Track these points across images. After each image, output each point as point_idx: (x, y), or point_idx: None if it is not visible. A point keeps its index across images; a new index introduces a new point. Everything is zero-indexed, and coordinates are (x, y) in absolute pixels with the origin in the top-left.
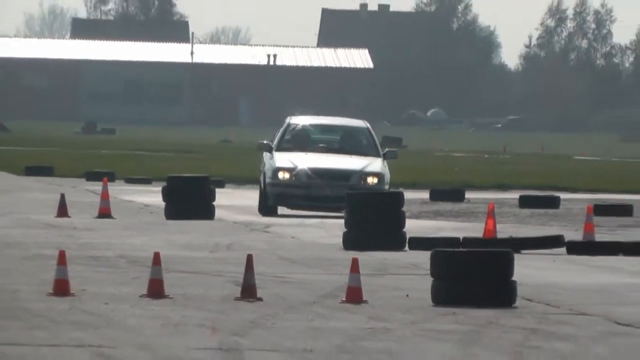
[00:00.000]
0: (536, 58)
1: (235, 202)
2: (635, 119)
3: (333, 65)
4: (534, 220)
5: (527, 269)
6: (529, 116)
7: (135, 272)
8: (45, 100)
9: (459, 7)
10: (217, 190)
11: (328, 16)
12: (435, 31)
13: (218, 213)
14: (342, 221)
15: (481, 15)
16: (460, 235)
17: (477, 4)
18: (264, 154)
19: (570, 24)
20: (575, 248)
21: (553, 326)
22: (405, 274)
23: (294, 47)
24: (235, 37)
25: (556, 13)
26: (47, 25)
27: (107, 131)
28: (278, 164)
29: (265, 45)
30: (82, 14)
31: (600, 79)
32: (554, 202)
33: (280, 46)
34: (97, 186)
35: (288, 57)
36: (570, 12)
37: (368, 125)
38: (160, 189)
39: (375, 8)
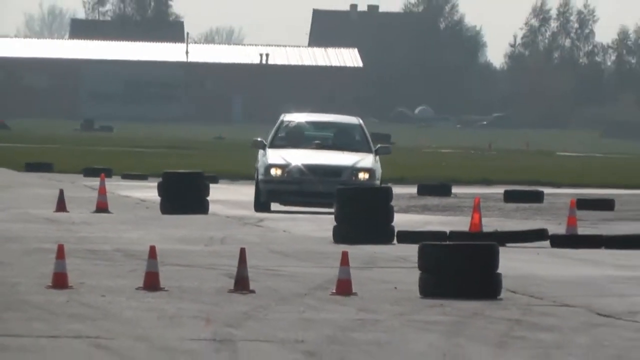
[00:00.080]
0: (521, 57)
1: (228, 197)
2: (616, 116)
3: (323, 64)
4: (518, 214)
5: (511, 261)
6: (514, 113)
7: (131, 265)
8: (46, 100)
9: (446, 7)
10: (211, 185)
11: (319, 16)
12: (422, 31)
13: (212, 208)
14: (332, 216)
15: (467, 15)
16: (447, 229)
17: (464, 4)
18: (259, 151)
19: (553, 24)
20: (558, 241)
21: (537, 317)
22: (393, 266)
23: (286, 46)
24: (228, 37)
25: (540, 13)
26: (47, 25)
27: (104, 129)
28: (270, 161)
29: (258, 45)
30: (81, 14)
31: (583, 77)
32: (538, 197)
33: (272, 46)
34: (95, 182)
35: (280, 57)
36: (553, 12)
37: (361, 122)
38: (156, 184)
39: (365, 9)
